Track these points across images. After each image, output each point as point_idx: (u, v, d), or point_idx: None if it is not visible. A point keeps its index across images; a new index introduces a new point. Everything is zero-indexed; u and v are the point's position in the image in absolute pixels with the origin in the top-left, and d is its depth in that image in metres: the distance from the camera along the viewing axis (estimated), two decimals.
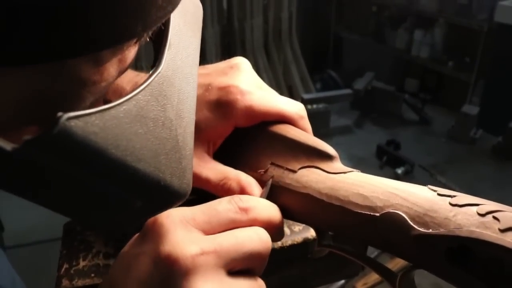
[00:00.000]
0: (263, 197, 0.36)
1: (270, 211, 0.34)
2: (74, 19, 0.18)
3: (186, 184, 0.26)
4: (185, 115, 0.26)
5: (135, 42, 0.23)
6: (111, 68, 0.23)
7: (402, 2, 3.50)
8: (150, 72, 0.23)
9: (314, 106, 3.01)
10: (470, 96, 3.19)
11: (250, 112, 0.38)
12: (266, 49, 3.35)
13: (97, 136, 0.19)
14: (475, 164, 2.82)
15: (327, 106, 3.07)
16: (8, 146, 0.17)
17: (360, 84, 3.31)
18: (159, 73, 0.23)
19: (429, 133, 3.19)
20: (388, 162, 2.75)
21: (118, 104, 0.20)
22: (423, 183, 0.32)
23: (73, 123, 0.18)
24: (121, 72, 0.24)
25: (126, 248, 0.31)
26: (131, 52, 0.24)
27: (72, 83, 0.21)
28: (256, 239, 0.31)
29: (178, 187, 0.25)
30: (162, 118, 0.23)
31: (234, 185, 0.36)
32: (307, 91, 3.40)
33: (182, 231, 0.29)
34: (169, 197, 0.25)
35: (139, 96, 0.22)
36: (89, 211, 0.23)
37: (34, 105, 0.21)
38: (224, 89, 0.38)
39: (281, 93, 0.39)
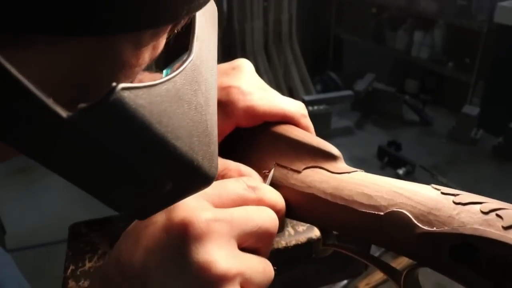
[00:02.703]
0: None
1: (275, 194, 0.34)
2: None
3: (214, 168, 0.26)
4: (211, 103, 0.27)
5: (170, 30, 0.25)
6: (146, 54, 0.24)
7: (402, 3, 3.51)
8: (183, 60, 0.25)
9: (315, 107, 3.00)
10: (471, 96, 3.20)
11: (251, 112, 0.38)
12: (266, 51, 3.36)
13: (145, 109, 0.20)
14: (476, 164, 2.82)
15: (328, 108, 3.07)
16: (63, 113, 0.17)
17: (360, 85, 3.32)
18: (191, 60, 0.24)
19: (429, 134, 3.19)
20: (389, 163, 2.75)
21: (161, 83, 0.21)
22: (424, 183, 0.32)
23: (125, 93, 0.19)
24: (151, 60, 0.25)
25: (131, 225, 0.30)
26: (163, 40, 0.25)
27: (113, 64, 0.22)
28: (266, 215, 0.31)
29: (208, 169, 0.25)
30: (195, 103, 0.24)
31: (235, 175, 0.37)
32: (308, 92, 3.40)
33: (194, 200, 0.29)
34: (199, 179, 0.25)
35: (177, 78, 0.23)
36: (118, 190, 0.23)
37: (76, 83, 0.21)
38: (226, 89, 0.39)
39: (282, 95, 0.40)
